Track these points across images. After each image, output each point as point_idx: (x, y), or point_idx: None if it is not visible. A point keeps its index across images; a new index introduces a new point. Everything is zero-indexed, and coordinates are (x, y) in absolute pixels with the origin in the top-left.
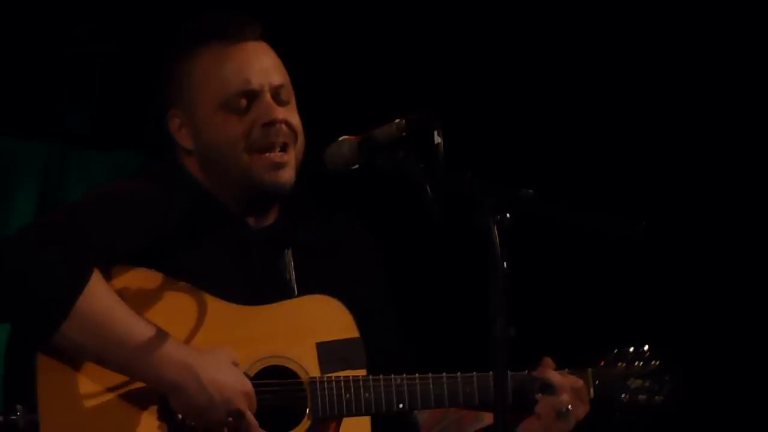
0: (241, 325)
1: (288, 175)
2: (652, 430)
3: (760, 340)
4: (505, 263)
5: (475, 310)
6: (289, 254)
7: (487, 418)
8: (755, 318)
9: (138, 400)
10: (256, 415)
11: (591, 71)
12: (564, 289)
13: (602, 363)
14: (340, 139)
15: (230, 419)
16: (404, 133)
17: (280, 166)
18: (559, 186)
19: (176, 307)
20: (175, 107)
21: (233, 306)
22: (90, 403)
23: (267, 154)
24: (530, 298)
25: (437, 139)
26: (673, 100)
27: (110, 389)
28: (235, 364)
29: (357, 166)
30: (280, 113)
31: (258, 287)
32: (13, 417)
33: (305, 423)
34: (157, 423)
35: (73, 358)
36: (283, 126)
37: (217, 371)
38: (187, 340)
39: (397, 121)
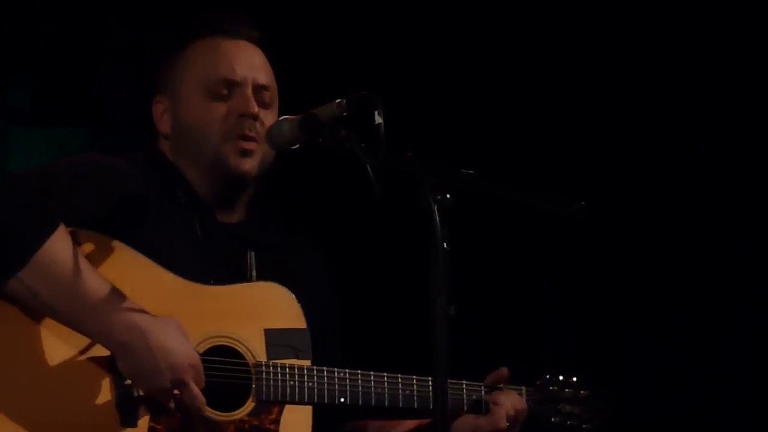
0: (193, 302)
1: (251, 164)
2: None
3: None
4: (445, 243)
5: (417, 289)
6: (252, 255)
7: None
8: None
9: (89, 362)
10: (202, 392)
11: (530, 43)
12: (506, 270)
13: (537, 383)
14: (281, 118)
15: (175, 391)
16: (345, 113)
17: (246, 153)
18: (501, 166)
19: (128, 276)
20: (161, 93)
21: (187, 282)
22: (38, 359)
23: (236, 141)
24: (473, 278)
25: (378, 119)
26: (618, 74)
27: (62, 347)
28: (186, 339)
29: (298, 145)
30: (256, 109)
31: (217, 277)
32: None
33: (249, 404)
34: (106, 386)
35: (26, 308)
36: (257, 124)
37: (166, 338)
38: None
39: (338, 100)
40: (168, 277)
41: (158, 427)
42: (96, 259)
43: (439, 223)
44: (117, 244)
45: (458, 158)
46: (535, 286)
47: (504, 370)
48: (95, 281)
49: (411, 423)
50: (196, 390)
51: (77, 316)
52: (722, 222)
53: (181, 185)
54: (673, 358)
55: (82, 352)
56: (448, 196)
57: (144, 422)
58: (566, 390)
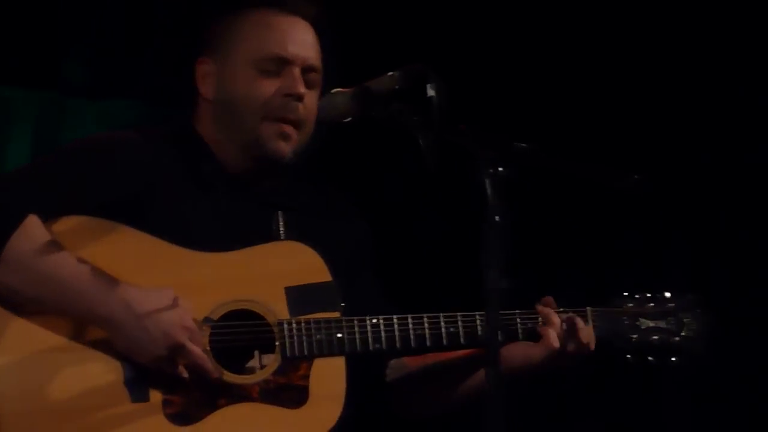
0: (203, 271)
1: (290, 149)
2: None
3: None
4: (498, 216)
5: (471, 263)
6: (279, 215)
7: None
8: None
9: (92, 345)
10: (220, 356)
11: (588, 22)
12: (562, 242)
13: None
14: (333, 91)
15: (175, 356)
16: (398, 85)
17: (286, 137)
18: (555, 139)
19: (127, 256)
20: (206, 56)
21: (194, 253)
22: (41, 348)
23: (278, 124)
24: (528, 251)
25: (430, 92)
26: (674, 54)
27: (61, 333)
28: (178, 305)
29: (350, 118)
30: (303, 90)
31: (243, 243)
32: None
33: (274, 363)
34: (112, 365)
35: (16, 304)
36: (301, 106)
37: (153, 306)
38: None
39: (390, 73)
40: (172, 251)
41: (174, 398)
42: (90, 244)
43: (491, 196)
44: (114, 226)
45: (513, 131)
46: (591, 262)
47: (549, 299)
48: (72, 265)
49: (462, 351)
50: (197, 350)
51: (62, 302)
52: None
53: (206, 158)
54: None
55: (83, 335)
56: (501, 168)
57: (156, 396)
58: (648, 305)
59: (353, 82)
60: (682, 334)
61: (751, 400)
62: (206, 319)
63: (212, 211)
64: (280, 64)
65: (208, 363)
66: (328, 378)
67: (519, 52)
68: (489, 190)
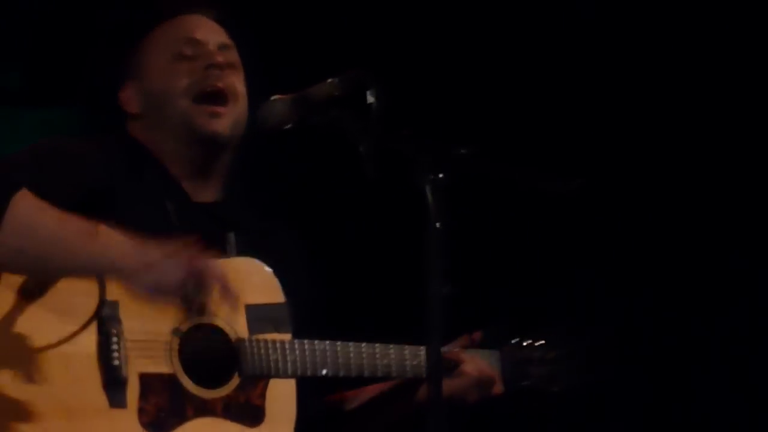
0: None
1: (224, 125)
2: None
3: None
4: (438, 223)
5: (411, 269)
6: (232, 237)
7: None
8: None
9: (75, 346)
10: (187, 368)
11: (526, 27)
12: (501, 248)
13: (506, 347)
14: (273, 98)
15: (200, 277)
16: (338, 92)
17: (217, 115)
18: (495, 144)
19: None
20: (128, 79)
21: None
22: (23, 345)
23: (205, 105)
24: (468, 257)
25: (370, 99)
26: (613, 53)
27: (46, 331)
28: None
29: (290, 125)
30: (222, 58)
31: None
32: None
33: (234, 380)
34: (93, 368)
35: (19, 271)
36: (224, 74)
37: (153, 247)
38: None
39: (330, 80)
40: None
41: (147, 407)
42: None
43: (431, 202)
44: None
45: (454, 137)
46: (531, 267)
47: (477, 334)
48: (75, 219)
49: (373, 388)
50: (201, 258)
51: (70, 257)
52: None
53: (151, 167)
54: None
55: (67, 335)
56: (441, 175)
57: (133, 402)
58: (536, 352)
59: (292, 89)
60: (560, 383)
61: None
62: (175, 330)
63: (165, 224)
64: (195, 46)
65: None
66: (282, 399)
67: (460, 58)
68: (429, 197)
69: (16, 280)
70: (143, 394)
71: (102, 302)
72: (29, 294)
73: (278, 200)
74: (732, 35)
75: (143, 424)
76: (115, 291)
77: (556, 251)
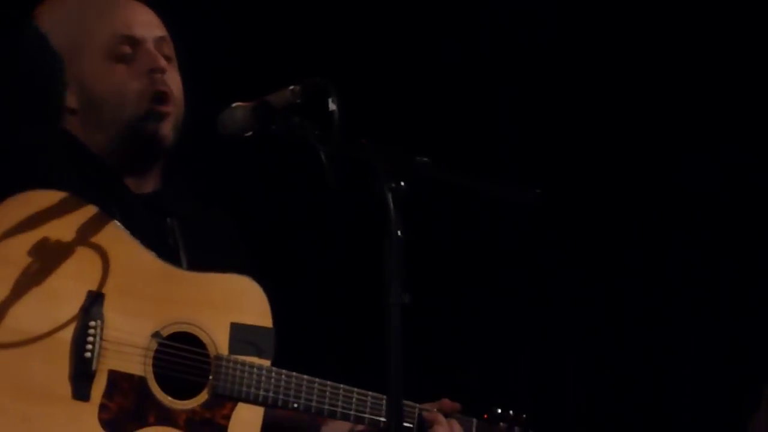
0: (165, 283)
1: (168, 128)
2: None
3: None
4: (399, 231)
5: (371, 277)
6: (173, 223)
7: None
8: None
9: (54, 330)
10: (158, 374)
11: (487, 33)
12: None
13: (485, 416)
14: (234, 105)
15: None
16: (299, 99)
17: (161, 116)
18: (457, 154)
19: (108, 249)
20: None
21: (162, 263)
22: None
23: (151, 106)
24: (428, 266)
25: (332, 106)
26: (576, 62)
27: (28, 312)
28: None
29: (251, 132)
30: (164, 62)
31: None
32: None
33: (203, 395)
34: (65, 356)
35: None
36: (166, 77)
37: None
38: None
39: (291, 87)
40: (146, 257)
41: (110, 404)
42: (76, 225)
43: (392, 210)
44: (100, 215)
45: (415, 146)
46: (496, 276)
47: (456, 405)
48: None
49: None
50: None
51: None
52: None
53: (89, 161)
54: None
55: (49, 317)
56: (402, 183)
57: (96, 397)
58: (516, 428)
59: (253, 96)
60: None
61: None
62: (156, 334)
63: (108, 216)
64: (133, 45)
65: None
66: (247, 425)
67: (421, 66)
68: (390, 205)
69: (9, 253)
70: (108, 392)
71: (89, 292)
72: (20, 268)
73: (219, 190)
74: (698, 45)
75: (101, 421)
76: (104, 283)
77: (516, 258)
